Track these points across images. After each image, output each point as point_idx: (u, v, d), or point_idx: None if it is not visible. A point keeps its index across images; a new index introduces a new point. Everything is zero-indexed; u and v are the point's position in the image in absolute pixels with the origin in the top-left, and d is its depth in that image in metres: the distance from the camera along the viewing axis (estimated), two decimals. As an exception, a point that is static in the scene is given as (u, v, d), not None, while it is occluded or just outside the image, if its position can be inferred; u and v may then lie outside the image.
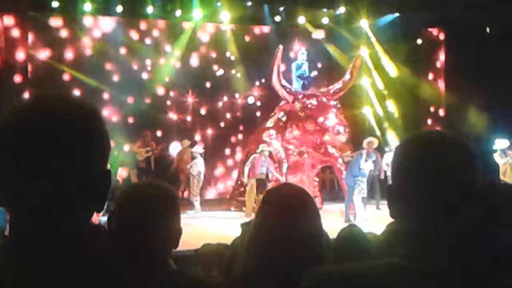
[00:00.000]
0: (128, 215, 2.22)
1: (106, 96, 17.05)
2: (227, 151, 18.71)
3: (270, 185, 14.50)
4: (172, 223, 2.26)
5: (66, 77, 16.60)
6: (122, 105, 17.11)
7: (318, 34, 17.89)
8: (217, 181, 18.54)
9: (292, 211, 2.26)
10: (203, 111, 18.37)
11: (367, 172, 13.65)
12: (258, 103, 18.75)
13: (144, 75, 17.67)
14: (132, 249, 2.09)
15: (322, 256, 2.25)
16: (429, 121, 20.05)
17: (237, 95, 18.72)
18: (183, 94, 18.22)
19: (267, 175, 14.38)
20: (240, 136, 18.64)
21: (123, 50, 17.36)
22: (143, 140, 16.36)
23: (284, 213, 2.25)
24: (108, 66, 17.18)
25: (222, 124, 18.58)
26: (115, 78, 17.26)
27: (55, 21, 16.52)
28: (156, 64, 17.75)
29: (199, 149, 15.20)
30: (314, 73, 16.36)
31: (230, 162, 18.61)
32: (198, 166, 14.97)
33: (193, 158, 15.36)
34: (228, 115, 18.69)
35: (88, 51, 16.97)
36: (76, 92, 15.86)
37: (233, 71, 18.34)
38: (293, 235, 2.20)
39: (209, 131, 18.54)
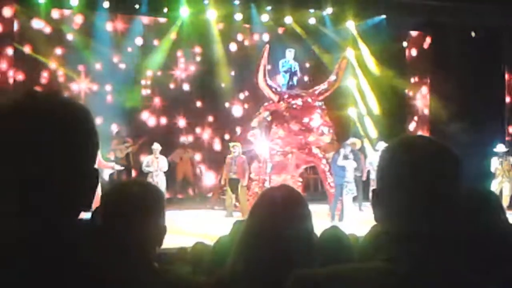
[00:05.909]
0: (114, 214, 2.21)
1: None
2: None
3: (254, 184, 14.55)
4: (158, 221, 2.26)
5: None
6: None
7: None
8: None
9: (287, 213, 2.27)
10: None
11: (349, 169, 13.68)
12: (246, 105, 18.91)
13: (129, 72, 17.66)
14: (118, 248, 2.09)
15: (313, 258, 2.26)
16: (414, 123, 20.13)
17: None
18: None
19: (243, 174, 14.38)
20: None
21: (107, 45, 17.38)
22: (119, 136, 16.26)
23: (279, 214, 2.26)
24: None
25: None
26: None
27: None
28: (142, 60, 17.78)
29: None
30: (299, 73, 16.30)
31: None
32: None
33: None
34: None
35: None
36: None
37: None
38: (286, 237, 2.21)
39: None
